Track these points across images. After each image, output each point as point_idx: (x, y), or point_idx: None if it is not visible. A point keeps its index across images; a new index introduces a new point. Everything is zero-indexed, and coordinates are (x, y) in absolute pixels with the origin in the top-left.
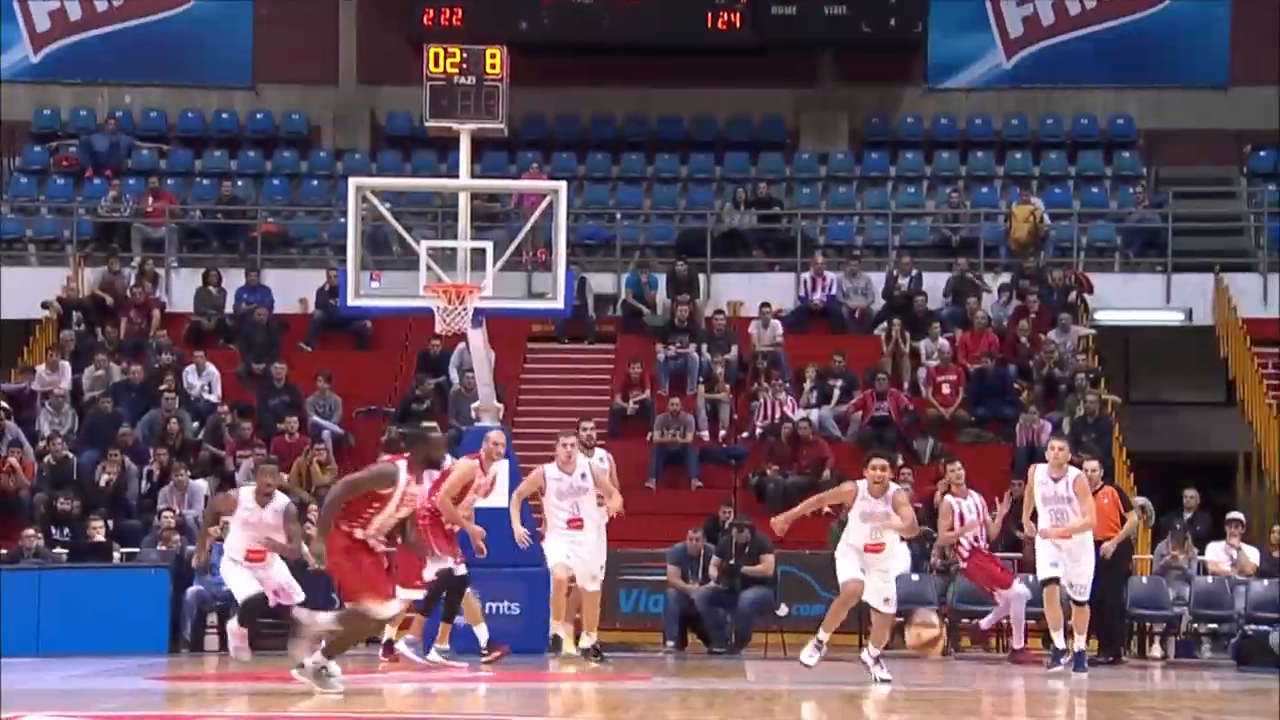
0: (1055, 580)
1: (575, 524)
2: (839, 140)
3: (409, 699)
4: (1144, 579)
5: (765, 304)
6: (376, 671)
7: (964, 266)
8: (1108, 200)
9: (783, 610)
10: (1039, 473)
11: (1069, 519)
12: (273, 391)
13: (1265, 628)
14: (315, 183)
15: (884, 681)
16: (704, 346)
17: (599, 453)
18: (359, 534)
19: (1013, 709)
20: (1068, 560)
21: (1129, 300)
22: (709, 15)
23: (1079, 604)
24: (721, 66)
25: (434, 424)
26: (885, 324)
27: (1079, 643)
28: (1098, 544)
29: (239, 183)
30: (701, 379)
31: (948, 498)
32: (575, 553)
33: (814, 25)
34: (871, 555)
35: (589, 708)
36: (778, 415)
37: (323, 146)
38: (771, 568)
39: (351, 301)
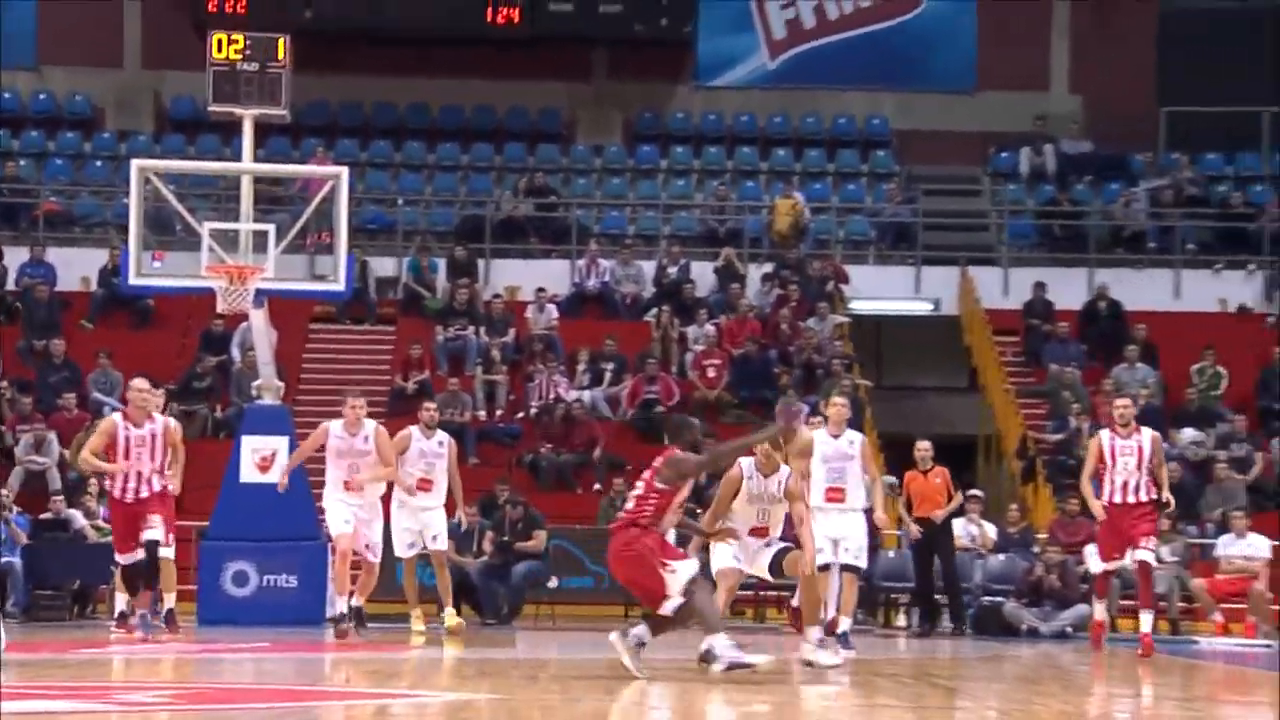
0: (827, 568)
1: (350, 487)
2: (613, 134)
3: (173, 668)
4: (890, 553)
5: (541, 289)
6: (113, 642)
7: (729, 255)
8: (863, 196)
9: (553, 583)
10: (818, 435)
11: (848, 476)
12: (53, 368)
13: (1000, 599)
14: (99, 164)
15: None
16: (482, 329)
17: (439, 435)
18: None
19: (762, 678)
20: (838, 532)
21: (881, 290)
22: (489, 8)
23: (851, 570)
24: (500, 59)
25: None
26: (655, 310)
27: (845, 620)
28: (922, 520)
29: (21, 162)
30: (479, 360)
31: None
32: (356, 514)
33: (589, 22)
34: (754, 540)
35: (363, 677)
36: (552, 396)
37: (106, 128)
38: (543, 543)
39: (133, 280)
